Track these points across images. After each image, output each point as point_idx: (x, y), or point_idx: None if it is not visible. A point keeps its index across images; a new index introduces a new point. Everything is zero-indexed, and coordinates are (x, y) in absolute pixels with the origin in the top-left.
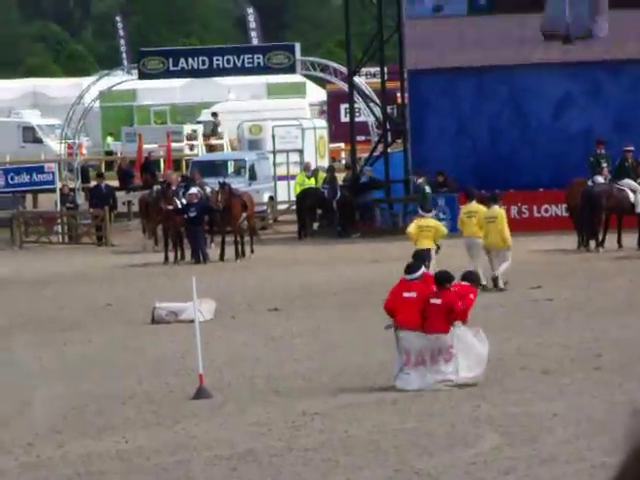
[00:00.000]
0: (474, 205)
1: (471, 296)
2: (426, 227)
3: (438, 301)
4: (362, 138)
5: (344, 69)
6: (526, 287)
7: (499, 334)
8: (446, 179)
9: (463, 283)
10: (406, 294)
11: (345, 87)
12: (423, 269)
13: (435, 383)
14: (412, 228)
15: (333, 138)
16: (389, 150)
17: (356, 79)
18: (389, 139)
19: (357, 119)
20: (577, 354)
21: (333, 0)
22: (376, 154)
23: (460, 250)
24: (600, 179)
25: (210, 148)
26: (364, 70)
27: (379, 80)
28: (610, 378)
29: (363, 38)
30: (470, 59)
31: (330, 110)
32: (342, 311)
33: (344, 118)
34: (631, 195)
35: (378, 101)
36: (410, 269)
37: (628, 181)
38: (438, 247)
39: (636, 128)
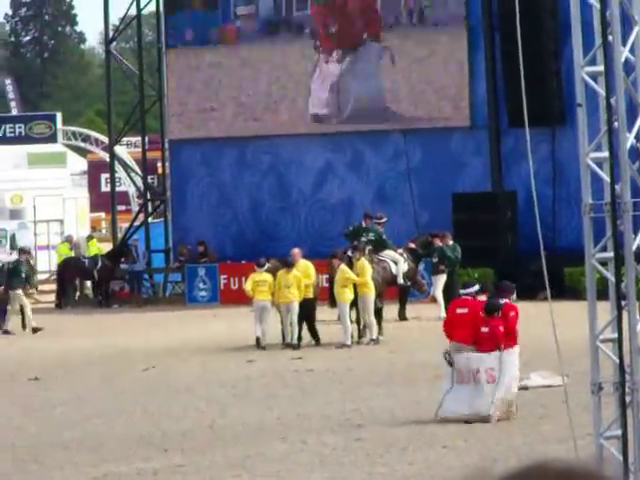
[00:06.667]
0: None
1: (512, 314)
2: (261, 281)
3: (486, 329)
4: (123, 208)
5: (105, 139)
6: (287, 357)
7: (260, 403)
8: (207, 249)
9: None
10: (459, 310)
11: (106, 157)
12: (477, 286)
13: (479, 407)
14: (248, 284)
15: (94, 207)
16: (150, 220)
17: (117, 149)
18: (150, 209)
19: (118, 189)
20: (337, 425)
21: (94, 69)
22: (137, 224)
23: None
24: None
25: None
26: (125, 140)
27: (140, 150)
28: (371, 449)
29: (125, 107)
30: (232, 129)
31: (91, 180)
32: (102, 380)
33: (105, 187)
34: (392, 266)
35: (139, 171)
36: (465, 284)
37: (389, 252)
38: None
39: (397, 199)
